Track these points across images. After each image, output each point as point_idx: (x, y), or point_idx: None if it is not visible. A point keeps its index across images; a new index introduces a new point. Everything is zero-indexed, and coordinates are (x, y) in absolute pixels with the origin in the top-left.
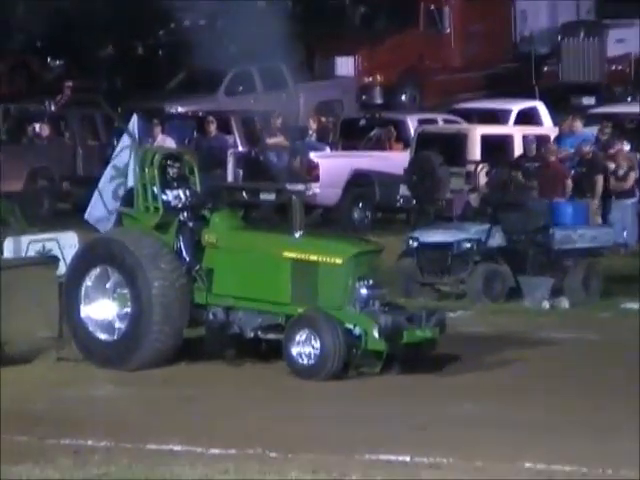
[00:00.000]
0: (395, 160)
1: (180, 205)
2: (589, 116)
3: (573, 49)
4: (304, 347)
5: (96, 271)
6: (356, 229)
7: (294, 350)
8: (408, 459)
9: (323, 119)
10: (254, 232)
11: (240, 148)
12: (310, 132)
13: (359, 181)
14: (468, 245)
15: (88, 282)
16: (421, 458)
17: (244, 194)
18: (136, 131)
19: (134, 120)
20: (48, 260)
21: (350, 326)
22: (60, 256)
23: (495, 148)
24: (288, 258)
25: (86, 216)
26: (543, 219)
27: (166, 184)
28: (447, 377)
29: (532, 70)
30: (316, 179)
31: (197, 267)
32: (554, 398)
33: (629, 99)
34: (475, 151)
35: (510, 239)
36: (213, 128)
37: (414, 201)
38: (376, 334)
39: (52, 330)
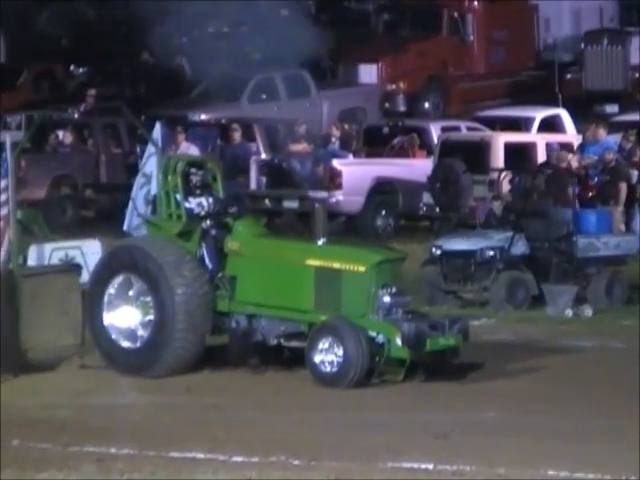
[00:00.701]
0: (418, 168)
1: (203, 213)
2: (612, 124)
3: (596, 57)
4: (327, 355)
5: (119, 279)
6: (379, 237)
7: (317, 358)
8: (431, 467)
9: (346, 126)
10: (277, 240)
11: (263, 155)
12: (333, 140)
13: (382, 189)
14: (491, 253)
15: (111, 290)
16: (444, 466)
17: (267, 201)
18: (159, 139)
19: (157, 128)
20: (71, 268)
21: (373, 334)
22: (83, 264)
23: (518, 156)
24: (311, 266)
25: (125, 228)
26: (566, 227)
27: (189, 192)
28: (470, 385)
29: (555, 78)
30: (339, 187)
31: (220, 275)
32: (577, 406)
33: None
34: (498, 159)
35: (533, 247)
36: (238, 136)
37: (437, 209)
38: (399, 342)
39: (75, 337)
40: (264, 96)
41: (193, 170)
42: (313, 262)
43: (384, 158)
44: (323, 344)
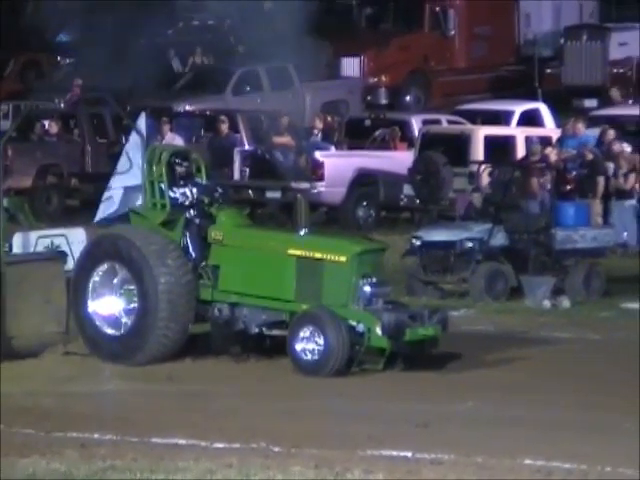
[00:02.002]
0: (399, 160)
1: (187, 202)
2: (591, 118)
3: (576, 52)
4: (308, 343)
5: (103, 267)
6: (360, 228)
7: (298, 346)
8: (410, 455)
9: (329, 119)
10: (259, 230)
11: (247, 147)
12: (315, 131)
13: (364, 180)
14: (471, 244)
15: (95, 278)
16: (422, 454)
17: (250, 192)
18: (144, 129)
19: (142, 117)
20: (56, 256)
21: (354, 323)
22: (68, 252)
23: (498, 149)
24: (293, 256)
25: (96, 220)
26: (545, 219)
27: (173, 182)
28: (449, 375)
29: (535, 72)
30: (321, 178)
31: (203, 264)
32: (554, 396)
33: (630, 101)
34: (478, 151)
35: (512, 239)
36: (225, 127)
37: (418, 200)
38: (379, 331)
39: (59, 325)
40: (248, 88)
41: (178, 160)
42: (295, 252)
43: (366, 150)
44: (304, 333)
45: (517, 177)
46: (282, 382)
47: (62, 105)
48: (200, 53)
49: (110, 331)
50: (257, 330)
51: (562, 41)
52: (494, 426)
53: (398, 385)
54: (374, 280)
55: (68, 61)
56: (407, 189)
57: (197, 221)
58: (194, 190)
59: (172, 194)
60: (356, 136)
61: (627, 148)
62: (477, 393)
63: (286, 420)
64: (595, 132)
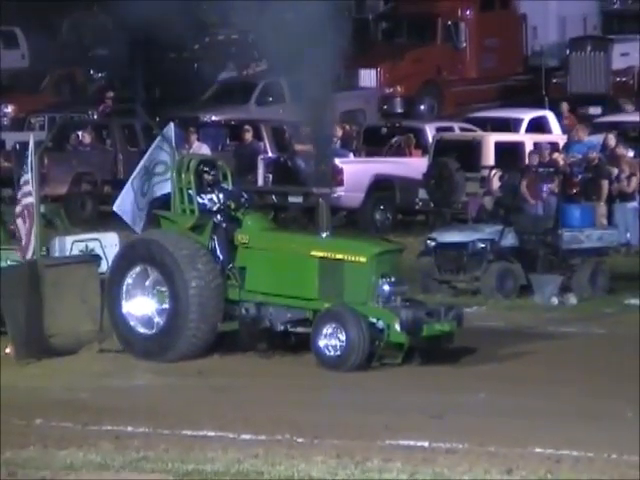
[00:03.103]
0: (414, 166)
1: (215, 208)
2: (596, 125)
3: (580, 62)
4: (331, 340)
5: (137, 269)
6: (378, 230)
7: (321, 342)
8: (426, 445)
9: (347, 127)
10: (283, 233)
11: (270, 154)
12: (335, 139)
13: (381, 185)
14: (482, 245)
15: (129, 280)
16: (438, 444)
17: (273, 197)
18: (173, 138)
19: (171, 127)
20: (91, 258)
21: (374, 320)
22: (102, 255)
23: (508, 154)
24: (315, 257)
25: (115, 207)
26: (552, 221)
27: (201, 189)
28: (463, 368)
29: (542, 82)
30: (340, 183)
31: (230, 266)
32: (563, 388)
33: (632, 108)
34: (489, 157)
35: (522, 239)
36: (249, 136)
37: (432, 204)
38: (398, 328)
39: (94, 324)
40: (270, 99)
41: (206, 169)
42: (317, 253)
43: (382, 157)
44: (327, 330)
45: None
46: (305, 377)
47: (95, 116)
48: (231, 68)
49: (143, 330)
50: (282, 328)
51: (567, 52)
52: (506, 416)
53: (415, 378)
54: (392, 279)
55: (100, 75)
56: (422, 193)
57: (224, 225)
58: (221, 196)
59: (200, 200)
60: (373, 143)
61: (629, 153)
62: (489, 385)
63: (309, 412)
64: (599, 138)
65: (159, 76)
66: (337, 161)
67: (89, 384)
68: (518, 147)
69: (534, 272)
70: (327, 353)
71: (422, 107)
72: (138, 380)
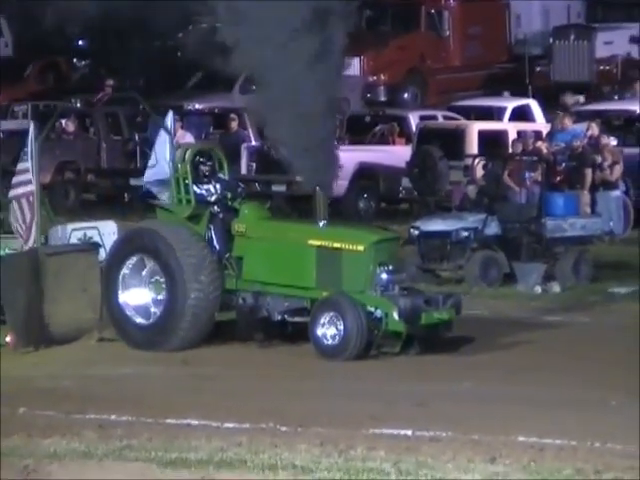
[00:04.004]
0: (398, 154)
1: (212, 199)
2: (579, 113)
3: (564, 51)
4: (328, 329)
5: (133, 260)
6: (361, 219)
7: (319, 331)
8: (409, 433)
9: None
10: (281, 222)
11: (254, 143)
12: None
13: (364, 174)
14: (466, 234)
15: (125, 270)
16: (422, 432)
17: (257, 185)
18: (172, 126)
19: (170, 116)
20: (90, 247)
21: (371, 309)
22: (101, 243)
23: (491, 143)
24: (313, 246)
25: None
26: (536, 209)
27: (198, 179)
28: (445, 356)
29: (526, 70)
30: None
31: (227, 255)
32: (547, 376)
33: (616, 97)
34: (473, 146)
35: (505, 228)
36: (235, 125)
37: (416, 192)
38: (396, 316)
39: (94, 312)
40: (254, 87)
41: (202, 159)
42: (315, 242)
43: (366, 145)
44: (325, 319)
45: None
46: (291, 365)
47: (78, 105)
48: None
49: (139, 320)
50: (280, 317)
51: (551, 40)
52: (490, 405)
53: (398, 367)
54: (390, 267)
55: (84, 63)
56: (405, 182)
57: (221, 215)
58: (218, 186)
59: (197, 190)
60: (357, 132)
61: (612, 141)
62: (474, 374)
63: (293, 401)
64: (583, 126)
65: (143, 64)
66: None
67: (73, 372)
68: (502, 135)
69: (518, 261)
70: (325, 342)
71: (406, 95)
72: (122, 369)
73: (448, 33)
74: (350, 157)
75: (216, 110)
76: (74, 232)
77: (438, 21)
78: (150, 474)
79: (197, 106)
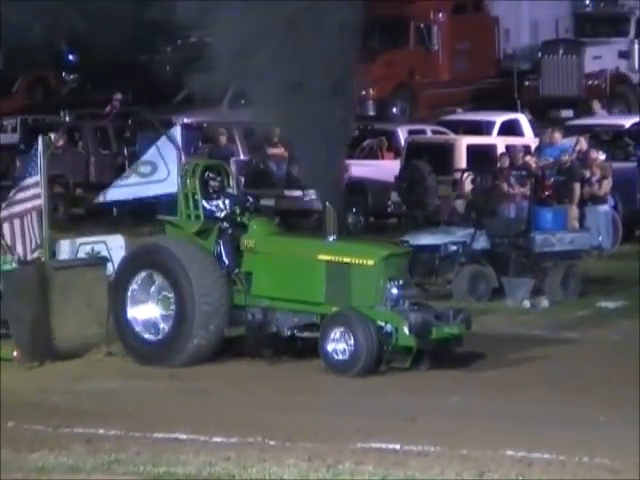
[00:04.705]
0: (387, 168)
1: (222, 215)
2: (567, 128)
3: (553, 65)
4: (338, 344)
5: (142, 275)
6: (350, 233)
7: (329, 347)
8: (397, 447)
9: None
10: (290, 237)
11: (242, 157)
12: None
13: (353, 188)
14: (454, 248)
15: (134, 286)
16: (410, 446)
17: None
18: (180, 140)
19: (178, 129)
20: (98, 261)
21: (382, 324)
22: (108, 257)
23: (480, 157)
24: (323, 260)
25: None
26: (524, 224)
27: (208, 195)
28: (434, 371)
29: (514, 85)
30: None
31: (236, 271)
32: (536, 391)
33: (604, 112)
34: (461, 160)
35: (493, 242)
36: (224, 139)
37: (404, 207)
38: (407, 331)
39: (101, 327)
40: (242, 101)
41: (211, 175)
42: (324, 257)
43: (355, 159)
44: (335, 334)
45: (498, 184)
46: (280, 380)
47: (67, 119)
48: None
49: (148, 336)
50: (289, 333)
51: (540, 55)
52: (478, 419)
53: (388, 381)
54: (400, 282)
55: (72, 77)
56: (394, 196)
57: (230, 230)
58: (227, 202)
59: (207, 206)
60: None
61: (601, 156)
62: (462, 388)
63: (282, 415)
64: (571, 141)
65: (132, 79)
66: None
67: (62, 386)
68: (490, 150)
69: (506, 275)
70: (335, 357)
71: (394, 110)
72: (111, 383)
73: (437, 48)
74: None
75: (204, 124)
76: (82, 246)
77: (427, 36)
78: None
79: (185, 120)
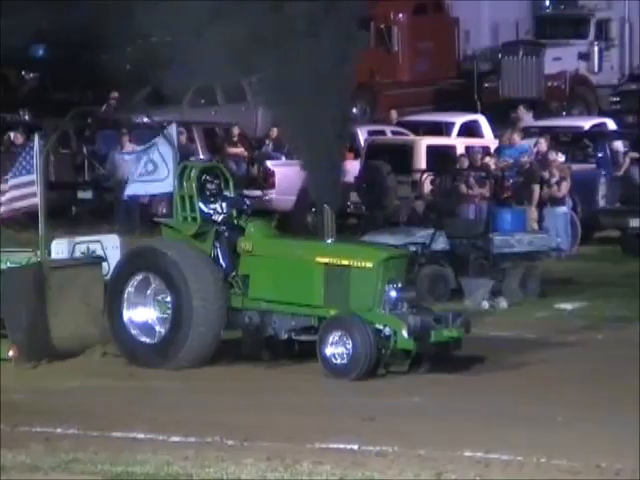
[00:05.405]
0: (346, 169)
1: (219, 219)
2: (527, 129)
3: (513, 67)
4: (337, 347)
5: (138, 278)
6: (310, 233)
7: (327, 350)
8: (356, 447)
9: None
10: (287, 239)
11: (201, 156)
12: (267, 142)
13: None
14: (414, 248)
15: (130, 288)
16: (368, 447)
17: None
18: (175, 138)
19: (173, 128)
20: (94, 260)
21: (380, 327)
22: (104, 256)
23: (439, 158)
24: (321, 263)
25: None
26: (483, 225)
27: (205, 197)
28: (393, 372)
29: (474, 86)
30: (272, 186)
31: (233, 274)
32: (494, 391)
33: (564, 113)
34: (421, 161)
35: (453, 243)
36: (183, 138)
37: (364, 207)
38: (405, 334)
39: (97, 326)
40: (203, 101)
41: (208, 178)
42: (322, 259)
43: None
44: (333, 337)
45: (457, 185)
46: (240, 379)
47: (27, 117)
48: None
49: (144, 339)
50: (287, 336)
51: (500, 56)
52: (438, 420)
53: (349, 381)
54: (399, 285)
55: (32, 75)
56: (354, 196)
57: (227, 233)
58: (224, 204)
59: (205, 209)
60: None
61: (560, 157)
62: (423, 389)
63: (240, 414)
64: (530, 142)
65: (93, 77)
66: (269, 164)
67: (22, 386)
68: (450, 151)
69: (465, 276)
70: (334, 361)
71: (355, 110)
72: (70, 382)
73: (397, 48)
74: (298, 171)
75: (164, 123)
76: (77, 245)
77: (387, 37)
78: None
79: (145, 119)
